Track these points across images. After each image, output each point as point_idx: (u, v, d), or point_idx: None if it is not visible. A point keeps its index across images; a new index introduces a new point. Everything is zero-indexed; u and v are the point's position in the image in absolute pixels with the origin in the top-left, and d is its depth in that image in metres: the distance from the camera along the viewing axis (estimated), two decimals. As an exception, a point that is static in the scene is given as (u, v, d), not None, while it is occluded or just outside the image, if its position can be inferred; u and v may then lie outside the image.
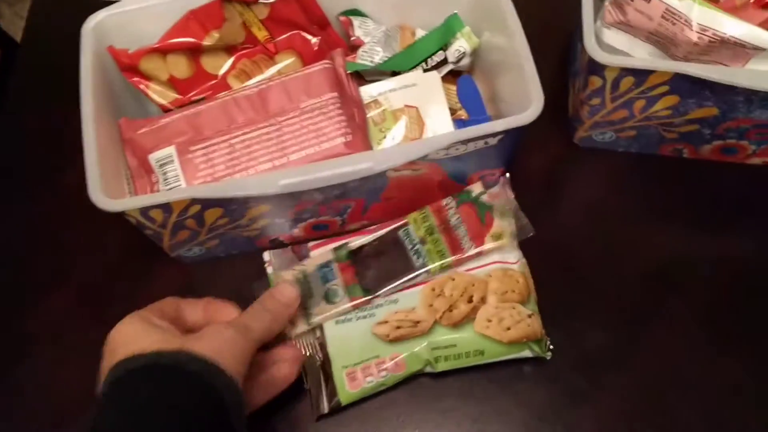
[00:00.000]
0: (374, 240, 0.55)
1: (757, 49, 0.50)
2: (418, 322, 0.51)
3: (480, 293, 0.52)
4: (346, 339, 0.52)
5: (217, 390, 0.41)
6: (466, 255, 0.53)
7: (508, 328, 0.50)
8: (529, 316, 0.51)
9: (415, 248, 0.54)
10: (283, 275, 0.55)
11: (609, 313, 0.55)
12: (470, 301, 0.51)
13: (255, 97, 0.55)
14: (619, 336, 0.54)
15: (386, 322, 0.52)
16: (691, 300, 0.56)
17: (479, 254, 0.53)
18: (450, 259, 0.53)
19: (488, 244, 0.53)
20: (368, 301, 0.53)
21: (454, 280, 0.52)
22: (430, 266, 0.53)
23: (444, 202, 0.56)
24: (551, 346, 0.52)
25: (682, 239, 0.58)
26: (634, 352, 0.54)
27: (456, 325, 0.51)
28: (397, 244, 0.55)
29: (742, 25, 0.50)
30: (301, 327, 0.53)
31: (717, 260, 0.57)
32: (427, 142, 0.50)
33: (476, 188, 0.56)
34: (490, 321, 0.51)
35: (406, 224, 0.55)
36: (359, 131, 0.54)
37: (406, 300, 0.53)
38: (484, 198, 0.55)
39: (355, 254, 0.55)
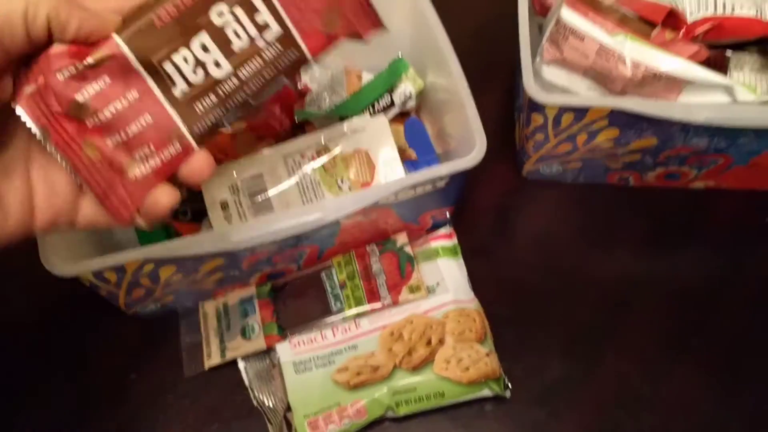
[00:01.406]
0: (297, 279, 0.56)
1: (688, 82, 0.52)
2: (377, 367, 0.52)
3: (438, 335, 0.52)
4: (306, 387, 0.52)
5: None
6: (382, 305, 0.54)
7: (467, 368, 0.51)
8: (487, 354, 0.52)
9: (335, 292, 0.55)
10: (206, 305, 0.56)
11: (564, 342, 0.56)
12: (429, 343, 0.52)
13: None
14: (575, 365, 0.55)
15: (346, 368, 0.52)
16: (642, 323, 0.57)
17: (395, 305, 0.55)
18: (366, 307, 0.54)
19: (404, 296, 0.54)
20: (281, 340, 0.54)
21: (412, 323, 0.53)
22: (347, 312, 0.54)
23: (368, 248, 0.57)
24: (509, 384, 0.53)
25: (632, 264, 0.60)
26: (591, 380, 0.55)
27: (416, 369, 0.52)
28: (319, 286, 0.56)
29: (674, 60, 0.51)
30: (215, 359, 0.54)
31: (666, 282, 0.59)
32: (375, 190, 0.51)
33: (401, 238, 0.57)
34: (448, 362, 0.51)
35: (330, 266, 0.56)
36: None
37: (365, 345, 0.53)
38: (408, 249, 0.56)
39: (277, 291, 0.56)
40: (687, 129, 0.53)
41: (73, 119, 0.34)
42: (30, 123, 0.34)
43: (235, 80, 0.35)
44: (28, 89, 0.33)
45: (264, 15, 0.35)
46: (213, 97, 0.35)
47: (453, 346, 0.52)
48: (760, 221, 0.61)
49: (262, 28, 0.35)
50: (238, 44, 0.35)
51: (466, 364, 0.51)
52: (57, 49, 0.33)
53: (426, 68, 0.61)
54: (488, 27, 0.72)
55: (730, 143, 0.55)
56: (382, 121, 0.59)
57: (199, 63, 0.35)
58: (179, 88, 0.35)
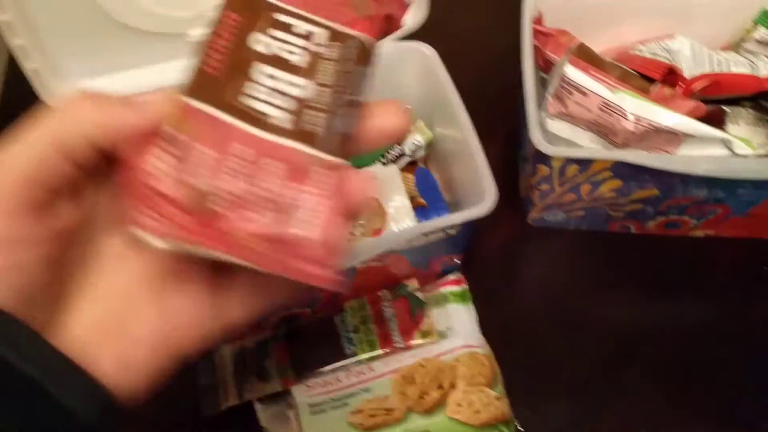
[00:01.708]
0: (311, 323, 0.58)
1: (687, 135, 0.54)
2: (391, 410, 0.53)
3: (449, 379, 0.54)
4: (322, 429, 0.53)
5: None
6: (395, 349, 0.56)
7: (478, 411, 0.52)
8: (497, 398, 0.53)
9: (348, 336, 0.56)
10: (222, 348, 0.57)
11: (571, 388, 0.58)
12: (440, 387, 0.53)
13: None
14: (583, 410, 0.56)
15: (361, 410, 0.53)
16: (646, 369, 0.58)
17: (407, 349, 0.56)
18: (379, 351, 0.56)
19: (416, 340, 0.56)
20: (296, 382, 0.55)
21: (424, 367, 0.54)
22: (360, 356, 0.56)
23: (380, 293, 0.59)
24: (520, 428, 0.54)
25: (635, 311, 0.62)
26: (597, 424, 0.56)
27: (428, 411, 0.53)
28: (332, 330, 0.57)
29: (673, 115, 0.54)
30: (233, 400, 0.55)
31: (669, 327, 0.60)
32: (389, 237, 0.53)
33: (412, 284, 0.59)
34: (460, 405, 0.53)
35: (343, 310, 0.58)
36: None
37: (378, 388, 0.54)
38: (419, 293, 0.58)
39: (292, 335, 0.58)
40: (687, 180, 0.56)
41: (201, 215, 0.28)
42: (161, 244, 0.28)
43: (319, 89, 0.31)
44: (133, 209, 0.28)
45: (300, 26, 0.32)
46: (313, 111, 0.30)
47: (464, 389, 0.53)
48: (759, 268, 0.63)
49: (306, 36, 0.32)
50: (296, 59, 0.32)
51: (477, 407, 0.53)
52: (129, 149, 0.28)
53: (434, 120, 0.64)
54: (488, 78, 0.75)
55: (728, 194, 0.57)
56: (393, 171, 0.62)
57: (273, 90, 0.30)
58: (274, 117, 0.30)
